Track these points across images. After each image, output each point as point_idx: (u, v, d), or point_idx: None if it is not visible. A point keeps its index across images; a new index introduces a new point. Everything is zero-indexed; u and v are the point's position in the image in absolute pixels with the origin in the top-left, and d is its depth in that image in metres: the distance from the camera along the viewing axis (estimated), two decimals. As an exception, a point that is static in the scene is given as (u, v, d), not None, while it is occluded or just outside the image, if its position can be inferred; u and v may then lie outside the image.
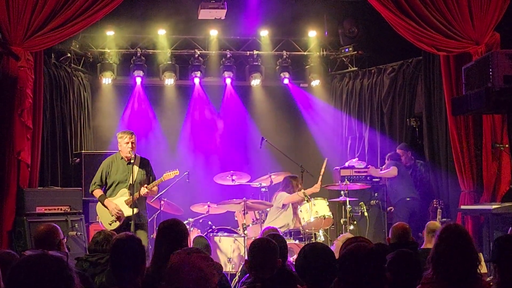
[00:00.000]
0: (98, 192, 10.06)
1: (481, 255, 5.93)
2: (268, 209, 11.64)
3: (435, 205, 11.48)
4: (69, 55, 13.02)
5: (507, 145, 10.54)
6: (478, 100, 4.53)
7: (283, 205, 11.49)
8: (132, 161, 9.80)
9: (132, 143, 9.97)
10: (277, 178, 12.19)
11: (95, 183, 10.13)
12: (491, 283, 5.16)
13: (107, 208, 9.94)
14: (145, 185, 9.93)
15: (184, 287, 3.05)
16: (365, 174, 12.89)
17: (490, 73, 4.37)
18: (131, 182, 9.71)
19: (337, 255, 4.35)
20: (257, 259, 5.14)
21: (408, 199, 12.48)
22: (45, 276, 2.78)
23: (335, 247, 7.71)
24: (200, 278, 3.08)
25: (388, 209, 12.64)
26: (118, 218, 9.85)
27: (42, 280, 2.77)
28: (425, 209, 12.06)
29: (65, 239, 7.02)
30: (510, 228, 5.38)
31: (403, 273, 4.56)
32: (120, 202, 9.89)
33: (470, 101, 4.69)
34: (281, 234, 7.36)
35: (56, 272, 2.81)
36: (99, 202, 10.13)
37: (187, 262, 3.09)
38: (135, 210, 9.70)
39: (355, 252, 3.60)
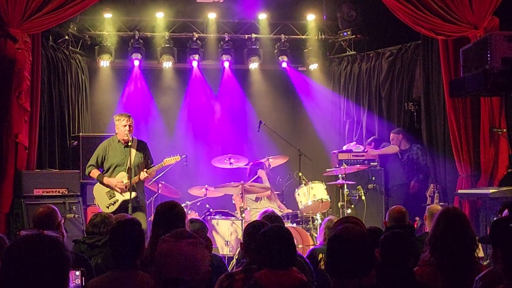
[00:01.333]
0: (95, 172, 10.06)
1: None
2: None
3: (432, 189, 11.49)
4: (67, 37, 12.98)
5: (504, 130, 10.54)
6: (476, 82, 4.53)
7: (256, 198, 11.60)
8: (129, 143, 9.79)
9: (129, 125, 9.95)
10: (275, 161, 12.21)
11: (91, 165, 10.13)
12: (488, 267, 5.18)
13: (108, 186, 9.95)
14: (145, 170, 9.94)
15: (173, 275, 3.05)
16: (363, 158, 12.90)
17: (488, 55, 4.37)
18: (129, 166, 9.71)
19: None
20: (251, 242, 5.14)
21: (401, 184, 12.58)
22: (41, 256, 2.78)
23: (322, 232, 7.72)
24: (189, 265, 3.07)
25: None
26: (122, 191, 9.85)
27: (38, 260, 2.77)
28: (422, 193, 12.08)
29: (63, 221, 7.03)
30: (506, 211, 5.37)
31: (394, 253, 4.57)
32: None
33: (467, 83, 4.69)
34: (280, 216, 7.34)
35: (51, 252, 2.81)
36: (96, 185, 10.14)
37: (175, 250, 3.09)
38: (133, 194, 9.71)
39: (343, 235, 3.60)
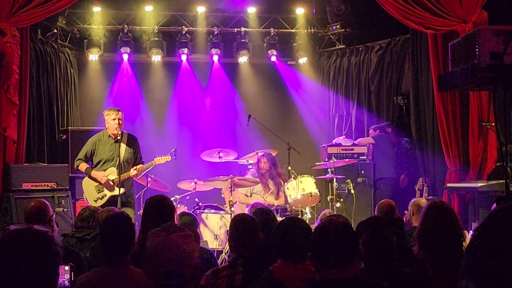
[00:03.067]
0: (83, 166, 10.03)
1: (466, 232, 5.98)
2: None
3: (421, 183, 11.53)
4: (55, 31, 12.91)
5: (493, 124, 10.58)
6: (464, 77, 4.54)
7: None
8: (119, 138, 9.77)
9: (119, 119, 9.93)
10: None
11: (79, 158, 10.10)
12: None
13: (95, 180, 9.93)
14: (135, 167, 9.92)
15: (166, 269, 3.05)
16: (352, 151, 12.91)
17: (476, 49, 4.37)
18: (119, 161, 9.69)
19: None
20: (237, 235, 5.13)
21: (390, 177, 12.63)
22: (31, 250, 2.77)
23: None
24: (181, 258, 3.07)
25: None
26: (106, 186, 9.85)
27: (28, 254, 2.75)
28: (411, 186, 12.12)
29: (54, 215, 7.02)
30: (494, 205, 5.40)
31: (375, 249, 4.56)
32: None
33: (456, 77, 4.70)
34: (269, 208, 7.33)
35: (41, 246, 2.80)
36: (84, 179, 10.12)
37: (168, 244, 3.07)
38: (122, 190, 9.70)
39: (326, 226, 3.61)
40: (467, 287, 1.52)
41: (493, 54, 4.47)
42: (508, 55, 4.44)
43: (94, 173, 9.94)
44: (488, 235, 1.53)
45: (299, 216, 10.81)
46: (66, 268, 3.44)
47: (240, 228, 5.14)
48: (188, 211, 8.79)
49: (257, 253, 4.99)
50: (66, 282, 3.45)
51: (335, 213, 10.65)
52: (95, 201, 9.87)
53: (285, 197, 11.42)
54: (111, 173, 9.88)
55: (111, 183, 9.84)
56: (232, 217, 10.27)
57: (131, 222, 4.85)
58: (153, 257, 3.10)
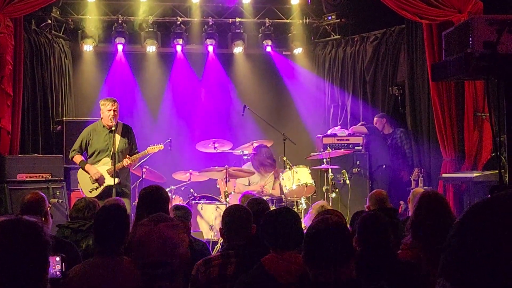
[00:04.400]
0: (78, 158, 10.02)
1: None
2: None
3: (417, 173, 11.53)
4: (49, 21, 12.87)
5: (488, 114, 10.59)
6: (458, 66, 4.51)
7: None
8: (113, 128, 9.75)
9: (114, 110, 9.91)
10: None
11: (74, 149, 10.08)
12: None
13: (88, 173, 9.92)
14: (128, 156, 9.91)
15: (153, 259, 3.04)
16: (347, 142, 12.90)
17: (470, 38, 4.35)
18: (113, 151, 9.68)
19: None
20: (229, 226, 5.12)
21: (384, 166, 12.63)
22: (20, 240, 2.75)
23: (310, 215, 7.71)
24: (168, 248, 3.06)
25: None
26: (98, 181, 9.84)
27: (17, 244, 2.74)
28: (406, 177, 12.13)
29: (49, 207, 7.01)
30: (489, 196, 5.41)
31: (373, 235, 4.58)
32: (102, 171, 9.88)
33: (449, 67, 4.67)
34: (262, 198, 7.32)
35: (31, 236, 2.78)
36: (79, 170, 10.11)
37: (154, 233, 3.07)
38: (116, 180, 9.69)
39: (318, 226, 3.60)
40: (445, 286, 1.48)
41: (486, 44, 4.45)
42: (502, 45, 4.43)
43: (87, 167, 9.92)
44: (464, 234, 1.49)
45: (294, 207, 10.84)
46: (57, 259, 3.42)
47: (233, 218, 5.13)
48: (182, 204, 8.75)
49: (250, 243, 4.98)
50: (58, 273, 3.43)
51: (330, 204, 10.66)
52: (90, 191, 9.86)
53: (281, 188, 11.43)
54: (106, 164, 9.86)
55: (107, 175, 9.83)
56: (227, 207, 10.32)
57: (126, 212, 4.85)
58: (139, 247, 3.10)
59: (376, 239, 4.57)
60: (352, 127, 13.27)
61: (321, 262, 3.44)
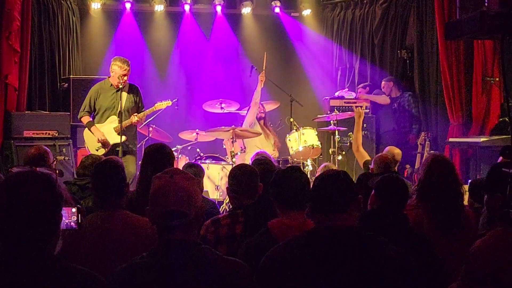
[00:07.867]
0: (86, 119, 9.97)
1: (466, 186, 5.99)
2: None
3: (424, 137, 11.50)
4: (57, -22, 12.79)
5: (497, 78, 10.55)
6: (472, 24, 4.47)
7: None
8: (121, 86, 9.69)
9: (124, 75, 9.80)
10: (266, 107, 12.15)
11: (83, 109, 10.03)
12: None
13: (94, 134, 9.91)
14: (135, 114, 9.87)
15: (170, 208, 3.04)
16: (354, 104, 12.85)
17: (486, -4, 4.34)
18: (120, 109, 9.65)
19: None
20: (236, 185, 5.11)
21: (393, 130, 12.62)
22: (34, 192, 2.74)
23: None
24: (185, 198, 3.06)
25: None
26: (104, 145, 9.83)
27: (31, 196, 2.73)
28: (413, 141, 12.10)
29: (55, 162, 7.02)
30: (500, 158, 5.39)
31: (389, 197, 4.59)
32: (108, 129, 9.85)
33: (463, 25, 4.63)
34: (271, 159, 7.32)
35: (45, 188, 2.78)
36: (85, 129, 10.09)
37: (171, 184, 3.07)
38: (123, 138, 9.67)
39: (324, 173, 3.63)
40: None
41: (502, 2, 4.41)
42: (518, 3, 4.40)
43: (94, 129, 9.84)
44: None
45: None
46: (73, 210, 3.44)
47: (240, 177, 5.12)
48: (195, 162, 8.77)
49: (257, 203, 4.97)
50: (73, 224, 3.46)
51: (336, 166, 10.67)
52: (97, 150, 9.85)
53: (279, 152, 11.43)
54: (113, 122, 9.83)
55: (114, 133, 9.79)
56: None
57: (120, 166, 4.88)
58: (156, 198, 3.10)
59: (395, 198, 4.60)
60: (371, 96, 13.16)
61: (325, 205, 3.46)
